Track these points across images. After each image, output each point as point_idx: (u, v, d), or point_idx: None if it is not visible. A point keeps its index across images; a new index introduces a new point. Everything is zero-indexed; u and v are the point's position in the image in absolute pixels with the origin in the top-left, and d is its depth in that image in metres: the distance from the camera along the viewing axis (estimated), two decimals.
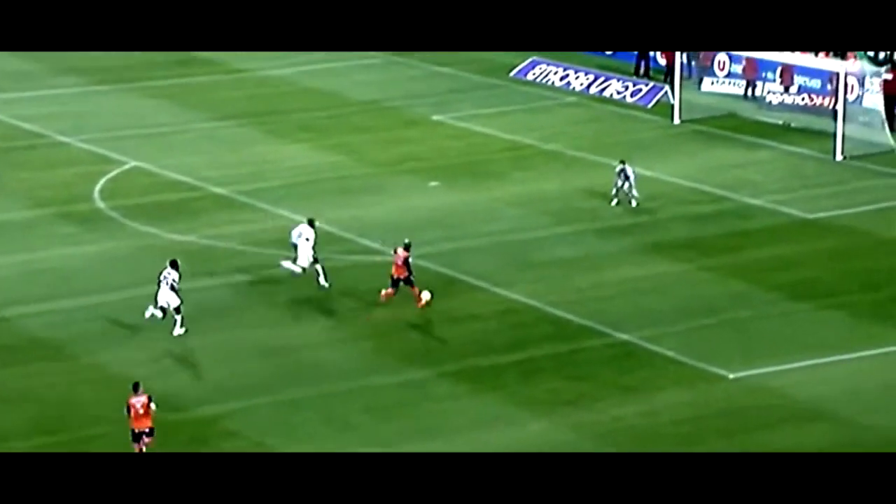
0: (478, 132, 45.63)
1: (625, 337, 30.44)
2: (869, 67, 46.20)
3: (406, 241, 32.10)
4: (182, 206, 38.92)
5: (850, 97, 44.17)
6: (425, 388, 28.29)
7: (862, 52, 48.08)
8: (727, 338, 30.42)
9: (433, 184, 40.58)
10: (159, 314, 30.25)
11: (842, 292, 32.55)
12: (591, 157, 42.69)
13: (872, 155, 42.38)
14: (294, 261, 32.51)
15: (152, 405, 25.06)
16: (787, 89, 47.83)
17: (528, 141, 44.41)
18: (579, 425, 26.73)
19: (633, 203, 38.15)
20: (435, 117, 47.34)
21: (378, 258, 34.38)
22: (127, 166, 42.23)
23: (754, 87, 48.77)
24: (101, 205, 38.93)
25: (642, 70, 51.70)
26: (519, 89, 50.36)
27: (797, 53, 48.42)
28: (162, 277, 30.29)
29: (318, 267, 32.66)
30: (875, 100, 44.93)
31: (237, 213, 38.35)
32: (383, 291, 31.59)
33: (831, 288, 32.84)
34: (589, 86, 50.51)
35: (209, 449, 25.77)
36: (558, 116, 47.40)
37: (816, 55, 48.43)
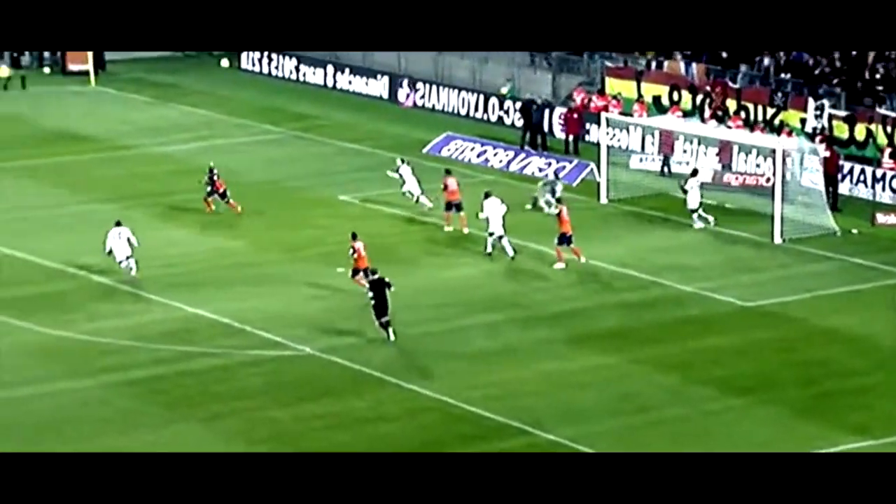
0: (386, 214, 45.76)
1: (550, 437, 30.61)
2: (807, 144, 46.84)
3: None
4: (58, 297, 38.73)
5: (789, 176, 44.68)
6: None
7: (799, 129, 48.92)
8: (658, 438, 30.68)
9: (340, 270, 40.69)
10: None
11: (779, 386, 33.07)
12: (514, 240, 42.34)
13: (813, 238, 43.02)
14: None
15: None
16: (726, 167, 48.47)
17: (440, 222, 44.35)
18: None
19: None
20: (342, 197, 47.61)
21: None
22: None
23: (669, 163, 49.51)
24: None
25: (538, 141, 52.26)
26: (433, 166, 49.66)
27: (733, 130, 49.22)
28: None
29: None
30: (815, 178, 45.43)
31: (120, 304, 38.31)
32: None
33: (768, 381, 33.35)
34: (509, 163, 50.85)
35: None
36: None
37: (752, 131, 49.18)
